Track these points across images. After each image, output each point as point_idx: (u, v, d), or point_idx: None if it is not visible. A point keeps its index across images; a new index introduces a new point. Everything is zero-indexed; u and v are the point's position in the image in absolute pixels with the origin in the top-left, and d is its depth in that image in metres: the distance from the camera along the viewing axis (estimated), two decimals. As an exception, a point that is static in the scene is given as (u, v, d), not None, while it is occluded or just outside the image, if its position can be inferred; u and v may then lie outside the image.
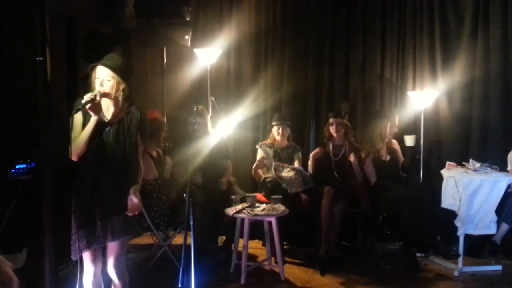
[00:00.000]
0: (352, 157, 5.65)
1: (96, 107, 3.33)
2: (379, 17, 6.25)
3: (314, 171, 5.72)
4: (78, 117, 3.38)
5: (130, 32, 6.29)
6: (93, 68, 3.41)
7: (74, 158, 3.37)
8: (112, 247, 3.49)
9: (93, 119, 3.34)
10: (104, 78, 3.36)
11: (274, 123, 5.79)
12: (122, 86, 3.41)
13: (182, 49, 6.30)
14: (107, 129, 3.40)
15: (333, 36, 6.36)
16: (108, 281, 3.64)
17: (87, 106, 3.29)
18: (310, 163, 5.75)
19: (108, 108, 3.44)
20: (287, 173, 5.49)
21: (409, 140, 5.37)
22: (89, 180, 3.40)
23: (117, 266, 3.53)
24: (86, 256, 3.47)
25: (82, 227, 3.41)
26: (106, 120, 3.42)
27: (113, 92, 3.38)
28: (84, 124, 3.37)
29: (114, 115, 3.43)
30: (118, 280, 3.55)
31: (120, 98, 3.44)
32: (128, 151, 3.42)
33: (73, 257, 3.47)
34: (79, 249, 3.42)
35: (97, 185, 3.39)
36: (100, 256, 3.53)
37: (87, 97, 3.29)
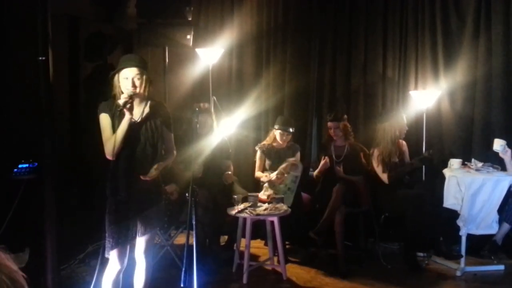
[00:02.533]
0: (337, 168, 5.62)
1: (132, 106, 3.44)
2: (381, 16, 6.24)
3: (317, 177, 5.71)
4: (105, 118, 3.50)
5: (132, 32, 6.30)
6: (117, 72, 3.50)
7: (111, 157, 3.46)
8: (146, 236, 3.63)
9: (128, 117, 3.43)
10: (134, 77, 3.46)
11: (278, 127, 5.67)
12: (149, 82, 3.55)
13: (184, 49, 6.31)
14: (137, 128, 3.51)
15: (335, 36, 6.36)
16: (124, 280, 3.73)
17: (127, 107, 3.39)
18: (316, 173, 5.70)
19: (135, 107, 3.54)
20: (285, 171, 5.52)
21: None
22: (124, 179, 3.51)
23: (147, 251, 3.70)
24: (114, 253, 3.54)
25: (115, 223, 3.50)
26: (134, 120, 3.51)
27: (142, 89, 3.51)
28: (113, 124, 3.47)
29: (142, 114, 3.54)
30: (145, 263, 3.71)
31: (146, 94, 3.56)
32: (156, 148, 3.58)
33: (106, 255, 3.56)
34: (110, 246, 3.51)
35: (131, 184, 3.50)
36: (127, 253, 3.62)
37: (124, 98, 3.41)
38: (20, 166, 4.19)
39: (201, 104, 5.47)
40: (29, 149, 4.31)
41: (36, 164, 4.20)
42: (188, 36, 6.02)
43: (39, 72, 4.01)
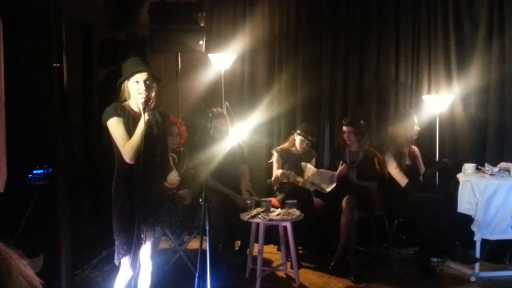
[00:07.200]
0: (349, 173, 5.59)
1: (149, 108, 3.44)
2: (393, 20, 6.23)
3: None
4: (118, 122, 3.44)
5: (145, 38, 6.33)
6: (132, 74, 3.47)
7: (132, 161, 3.42)
8: (151, 241, 3.66)
9: (146, 119, 3.39)
10: (146, 80, 3.47)
11: (300, 133, 5.64)
12: (156, 87, 3.57)
13: (196, 55, 6.34)
14: (148, 135, 3.48)
15: (347, 41, 6.35)
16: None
17: (147, 108, 3.39)
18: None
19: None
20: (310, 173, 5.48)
21: (469, 168, 5.24)
22: (135, 185, 3.46)
23: (153, 255, 3.73)
24: (126, 260, 3.53)
25: (126, 232, 3.48)
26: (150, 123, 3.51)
27: (154, 93, 3.52)
28: (128, 129, 3.44)
29: (148, 120, 3.49)
30: (151, 267, 3.74)
31: (155, 100, 3.56)
32: (162, 153, 3.60)
33: (116, 261, 3.56)
34: (123, 253, 3.50)
35: (142, 188, 3.45)
36: (139, 259, 3.63)
37: (143, 98, 3.41)
38: (34, 172, 4.22)
39: (215, 109, 5.47)
40: (44, 155, 4.34)
41: (51, 170, 4.23)
42: (201, 42, 6.04)
43: (53, 78, 4.05)
